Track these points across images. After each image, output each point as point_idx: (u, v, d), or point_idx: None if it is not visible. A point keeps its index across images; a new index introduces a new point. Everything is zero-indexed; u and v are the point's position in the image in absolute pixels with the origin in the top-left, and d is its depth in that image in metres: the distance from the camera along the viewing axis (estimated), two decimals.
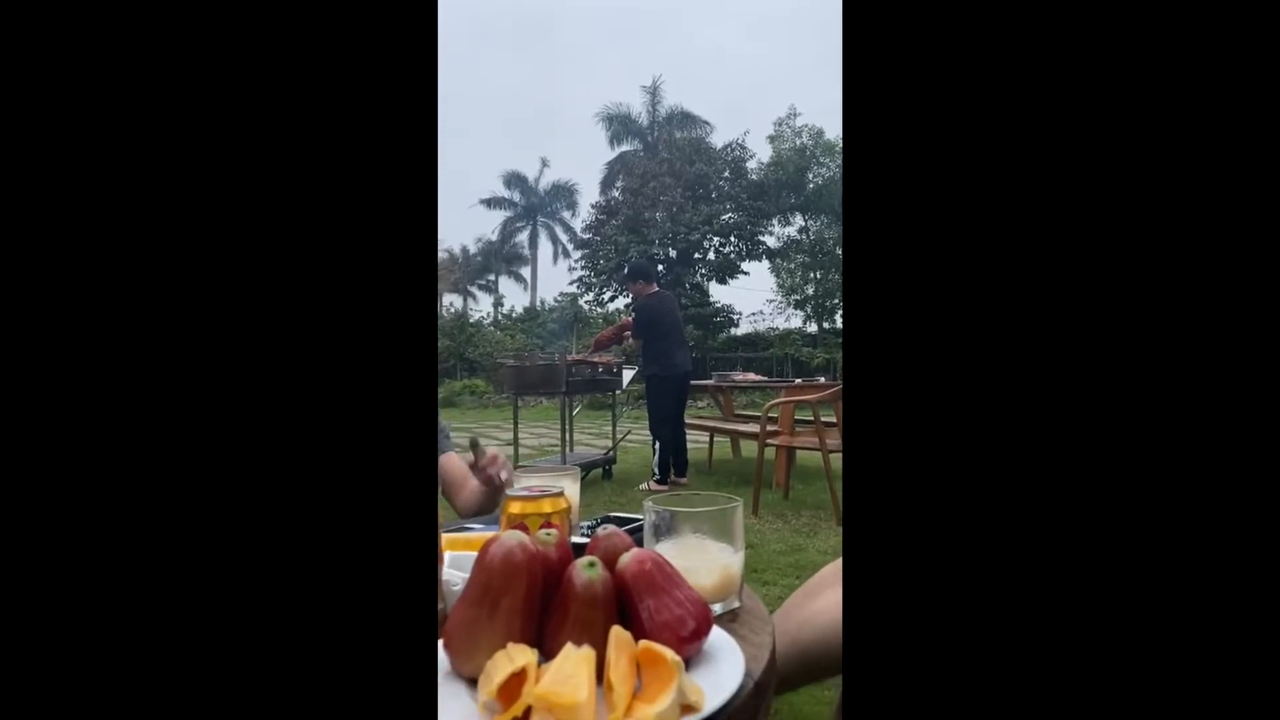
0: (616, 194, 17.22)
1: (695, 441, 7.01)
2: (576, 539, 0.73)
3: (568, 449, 4.42)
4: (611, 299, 17.02)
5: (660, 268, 15.48)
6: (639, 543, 0.62)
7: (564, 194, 26.04)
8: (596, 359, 4.71)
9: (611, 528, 0.57)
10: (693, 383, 4.77)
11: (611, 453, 4.67)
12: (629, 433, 5.46)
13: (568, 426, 4.50)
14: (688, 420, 5.28)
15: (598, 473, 4.71)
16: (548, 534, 0.54)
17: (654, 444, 4.17)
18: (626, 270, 4.43)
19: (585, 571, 0.49)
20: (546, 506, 0.70)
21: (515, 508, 0.70)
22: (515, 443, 4.51)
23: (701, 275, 16.35)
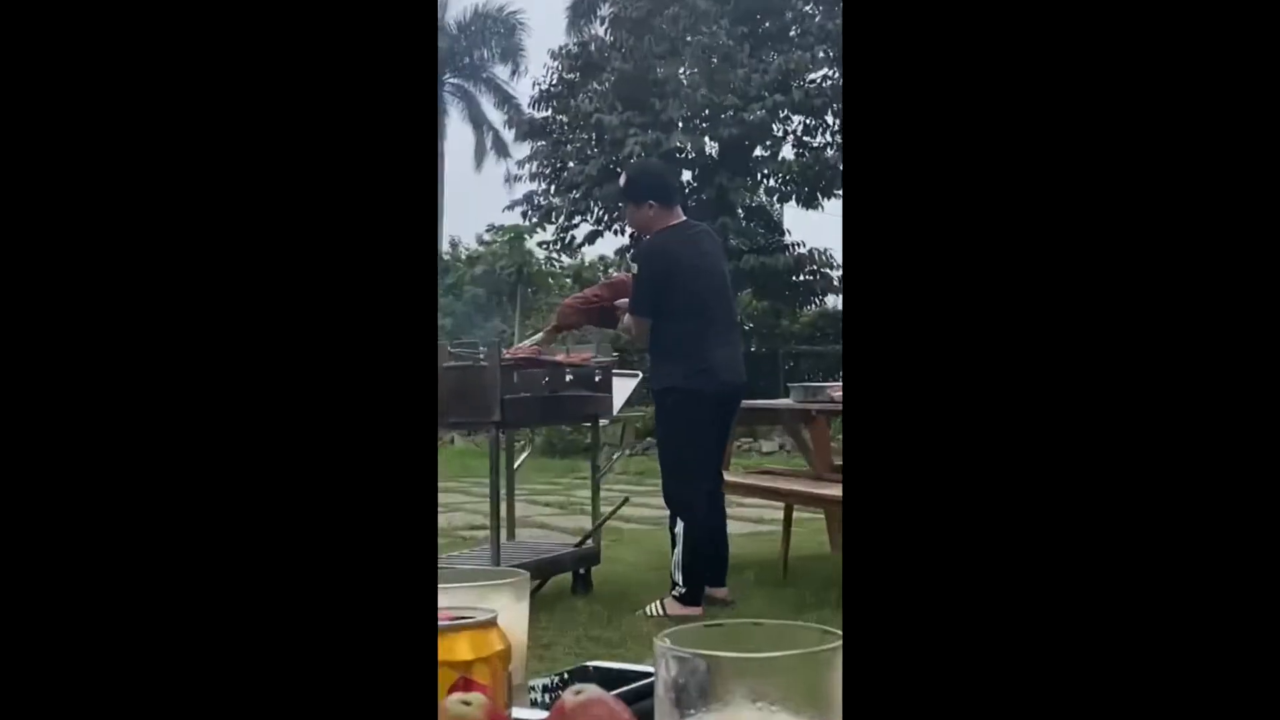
0: (600, 31, 17.21)
1: (754, 524, 7.08)
2: (523, 713, 0.74)
3: (503, 535, 4.45)
4: (590, 239, 17.01)
5: (685, 177, 15.44)
6: None
7: (495, 30, 25.95)
8: (562, 358, 4.74)
9: (592, 690, 0.58)
10: (748, 404, 4.79)
11: (591, 541, 4.70)
12: (626, 501, 5.48)
13: (504, 489, 4.53)
14: (741, 479, 5.28)
15: (565, 580, 4.74)
16: (465, 702, 0.55)
17: (673, 525, 4.19)
18: (622, 181, 4.43)
19: None
20: (463, 649, 0.71)
21: None
22: None
23: (768, 192, 16.32)
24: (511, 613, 0.83)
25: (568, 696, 0.58)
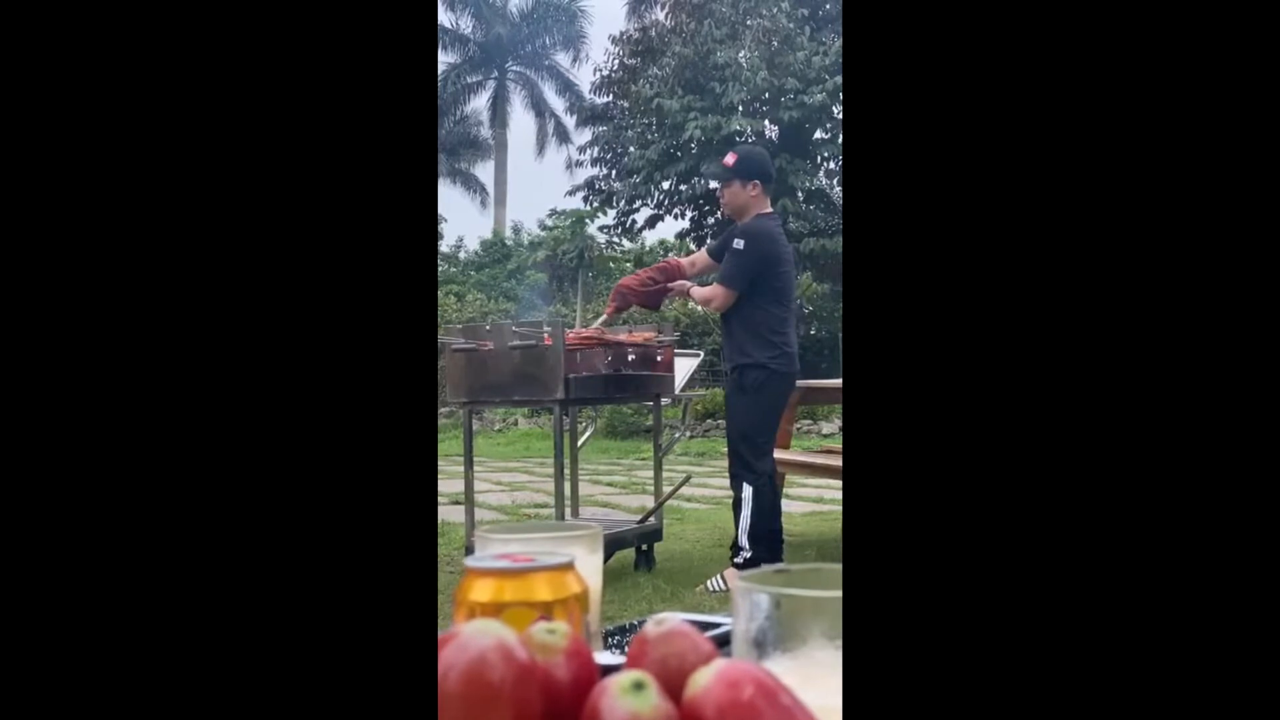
0: (660, 16, 17.16)
1: (814, 503, 7.04)
2: (604, 658, 0.74)
3: (567, 513, 4.46)
4: (651, 223, 16.99)
5: None
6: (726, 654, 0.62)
7: (557, 17, 25.92)
8: (625, 338, 4.73)
9: (674, 621, 0.57)
10: (809, 384, 4.76)
11: (653, 519, 4.70)
12: (688, 480, 5.47)
13: (567, 468, 4.54)
14: (802, 458, 5.28)
15: (627, 558, 4.74)
16: (550, 631, 0.55)
17: (738, 497, 4.20)
18: (731, 159, 4.40)
19: (627, 700, 0.49)
20: (542, 589, 0.70)
21: (480, 590, 0.70)
22: (468, 497, 4.57)
23: (827, 175, 16.23)
24: (585, 565, 0.82)
25: (649, 627, 0.58)
